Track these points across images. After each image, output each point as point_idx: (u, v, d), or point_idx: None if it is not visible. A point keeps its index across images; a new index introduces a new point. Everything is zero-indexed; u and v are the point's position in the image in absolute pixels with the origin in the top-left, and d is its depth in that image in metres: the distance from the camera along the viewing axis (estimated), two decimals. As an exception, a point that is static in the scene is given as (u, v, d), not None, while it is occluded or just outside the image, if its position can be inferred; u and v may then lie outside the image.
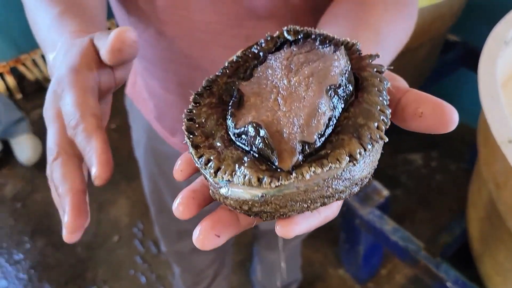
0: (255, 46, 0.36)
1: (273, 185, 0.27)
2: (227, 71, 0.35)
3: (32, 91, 2.66)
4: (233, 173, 0.28)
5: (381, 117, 0.28)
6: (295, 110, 0.30)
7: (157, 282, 1.70)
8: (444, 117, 0.28)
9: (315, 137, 0.28)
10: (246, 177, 0.27)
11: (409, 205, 1.81)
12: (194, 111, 0.32)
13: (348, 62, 0.31)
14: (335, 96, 0.30)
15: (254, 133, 0.29)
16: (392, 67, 0.36)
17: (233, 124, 0.30)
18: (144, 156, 0.93)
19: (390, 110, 0.30)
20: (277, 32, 0.36)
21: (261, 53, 0.35)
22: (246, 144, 0.29)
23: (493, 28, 1.02)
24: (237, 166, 0.28)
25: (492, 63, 0.94)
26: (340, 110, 0.29)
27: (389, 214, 1.30)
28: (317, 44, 0.34)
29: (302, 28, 0.36)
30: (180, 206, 0.29)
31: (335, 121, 0.29)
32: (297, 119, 0.29)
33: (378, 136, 0.28)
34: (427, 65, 1.74)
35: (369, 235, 1.33)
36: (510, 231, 0.87)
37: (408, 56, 1.54)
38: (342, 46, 0.33)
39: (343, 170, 0.28)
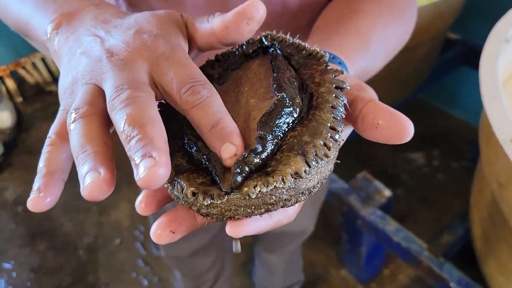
0: (236, 47, 0.37)
1: (205, 203, 0.28)
2: (205, 67, 0.37)
3: (32, 94, 2.67)
4: (173, 182, 0.29)
5: (329, 135, 0.29)
6: (246, 130, 0.31)
7: (159, 284, 1.69)
8: (399, 128, 0.29)
9: (245, 153, 0.28)
10: (184, 191, 0.29)
11: (411, 205, 1.80)
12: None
13: (285, 93, 0.31)
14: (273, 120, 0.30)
15: (204, 149, 0.30)
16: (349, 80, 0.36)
17: (187, 132, 0.31)
18: None
19: (343, 127, 0.30)
20: (258, 37, 0.37)
21: (241, 54, 0.37)
22: (194, 153, 0.30)
23: (493, 26, 1.01)
24: (176, 174, 0.29)
25: (493, 62, 0.93)
26: (283, 130, 0.30)
27: (391, 214, 1.29)
28: (269, 61, 0.35)
29: (279, 35, 0.37)
30: (141, 203, 0.31)
31: (273, 140, 0.29)
32: (248, 143, 0.30)
33: (323, 154, 0.28)
34: (427, 63, 1.74)
35: (371, 236, 1.32)
36: (513, 231, 0.86)
37: (408, 55, 1.53)
38: (277, 78, 0.33)
39: None
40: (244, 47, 0.37)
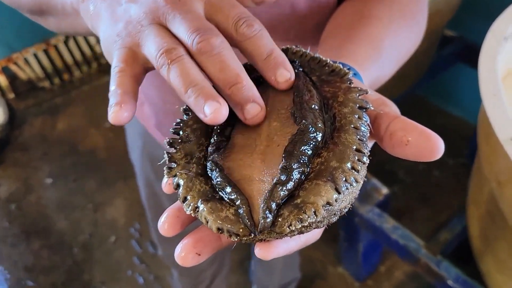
0: None
1: (232, 239, 0.28)
2: None
3: (24, 90, 2.63)
4: (196, 210, 0.28)
5: (356, 158, 0.29)
6: (269, 156, 0.30)
7: (155, 282, 1.68)
8: (430, 145, 0.29)
9: (271, 187, 0.28)
10: (208, 224, 0.28)
11: (408, 201, 1.80)
12: (181, 124, 0.33)
13: (306, 120, 0.30)
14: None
15: (228, 180, 0.29)
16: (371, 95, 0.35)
17: (215, 166, 0.30)
18: (141, 161, 0.91)
19: (368, 148, 0.30)
20: None
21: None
22: (216, 184, 0.29)
23: (489, 23, 1.01)
24: (200, 202, 0.28)
25: (493, 60, 0.93)
26: (308, 157, 0.29)
27: (388, 211, 1.29)
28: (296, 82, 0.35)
29: (298, 49, 0.36)
30: (165, 224, 0.31)
31: (299, 169, 0.28)
32: (269, 170, 0.29)
33: (353, 179, 0.28)
34: (424, 60, 1.73)
35: (368, 233, 1.32)
36: (512, 229, 0.86)
37: (406, 51, 1.52)
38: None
39: None
40: None
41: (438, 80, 1.97)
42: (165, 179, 0.32)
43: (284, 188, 0.27)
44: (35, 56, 2.56)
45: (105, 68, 2.73)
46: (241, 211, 0.27)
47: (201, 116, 0.29)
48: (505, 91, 1.07)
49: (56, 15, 0.44)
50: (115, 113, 0.30)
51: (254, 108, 0.31)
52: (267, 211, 0.27)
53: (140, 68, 0.33)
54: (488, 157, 0.91)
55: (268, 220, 0.27)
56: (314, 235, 0.32)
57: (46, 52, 2.58)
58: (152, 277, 1.70)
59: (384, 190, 1.29)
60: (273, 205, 0.27)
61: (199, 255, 0.29)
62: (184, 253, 0.29)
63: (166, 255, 1.15)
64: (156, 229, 1.06)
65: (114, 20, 0.34)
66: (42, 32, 2.51)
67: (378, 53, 0.46)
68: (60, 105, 2.54)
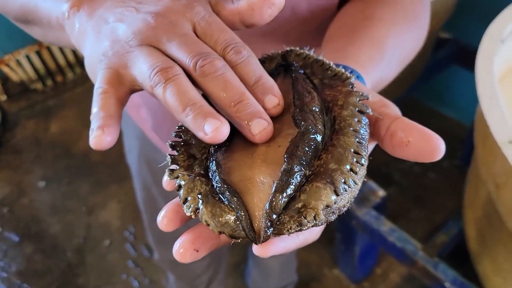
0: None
1: (232, 241, 0.29)
2: None
3: (16, 93, 2.60)
4: (197, 211, 0.29)
5: (354, 159, 0.29)
6: (270, 156, 0.30)
7: (150, 286, 1.67)
8: (430, 146, 0.29)
9: (271, 197, 0.28)
10: (209, 227, 0.28)
11: (403, 204, 1.81)
12: (184, 127, 0.33)
13: (306, 123, 0.31)
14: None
15: (230, 195, 0.29)
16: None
17: (216, 168, 0.30)
18: (137, 164, 0.90)
19: (367, 151, 0.30)
20: (280, 52, 0.37)
21: None
22: (216, 188, 0.29)
23: (484, 25, 1.01)
24: (200, 204, 0.29)
25: (489, 63, 0.93)
26: (309, 159, 0.29)
27: (385, 213, 1.29)
28: (291, 84, 0.35)
29: (302, 51, 0.37)
30: (164, 219, 0.31)
31: (300, 172, 0.29)
32: (270, 170, 0.30)
33: (351, 181, 0.28)
34: (419, 63, 1.74)
35: (365, 236, 1.32)
36: (510, 232, 0.86)
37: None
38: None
39: None
40: (265, 62, 0.37)
41: (432, 82, 1.97)
42: (165, 177, 0.33)
43: (285, 194, 0.27)
44: (28, 57, 2.54)
45: (99, 70, 2.71)
46: (241, 224, 0.28)
47: (200, 134, 0.29)
48: (503, 91, 1.07)
49: (42, 27, 0.43)
50: (98, 138, 0.29)
51: (261, 123, 0.30)
52: (268, 223, 0.27)
53: (126, 90, 0.32)
54: (485, 160, 0.91)
55: (269, 232, 0.27)
56: (312, 235, 0.32)
57: (38, 53, 2.56)
58: (147, 281, 1.68)
59: (381, 193, 1.29)
60: (274, 217, 0.27)
61: (197, 251, 0.29)
62: (183, 249, 0.29)
63: (162, 259, 1.14)
64: (153, 232, 1.06)
65: (100, 38, 0.33)
66: (35, 33, 2.48)
67: (381, 54, 0.46)
68: (53, 107, 2.52)
